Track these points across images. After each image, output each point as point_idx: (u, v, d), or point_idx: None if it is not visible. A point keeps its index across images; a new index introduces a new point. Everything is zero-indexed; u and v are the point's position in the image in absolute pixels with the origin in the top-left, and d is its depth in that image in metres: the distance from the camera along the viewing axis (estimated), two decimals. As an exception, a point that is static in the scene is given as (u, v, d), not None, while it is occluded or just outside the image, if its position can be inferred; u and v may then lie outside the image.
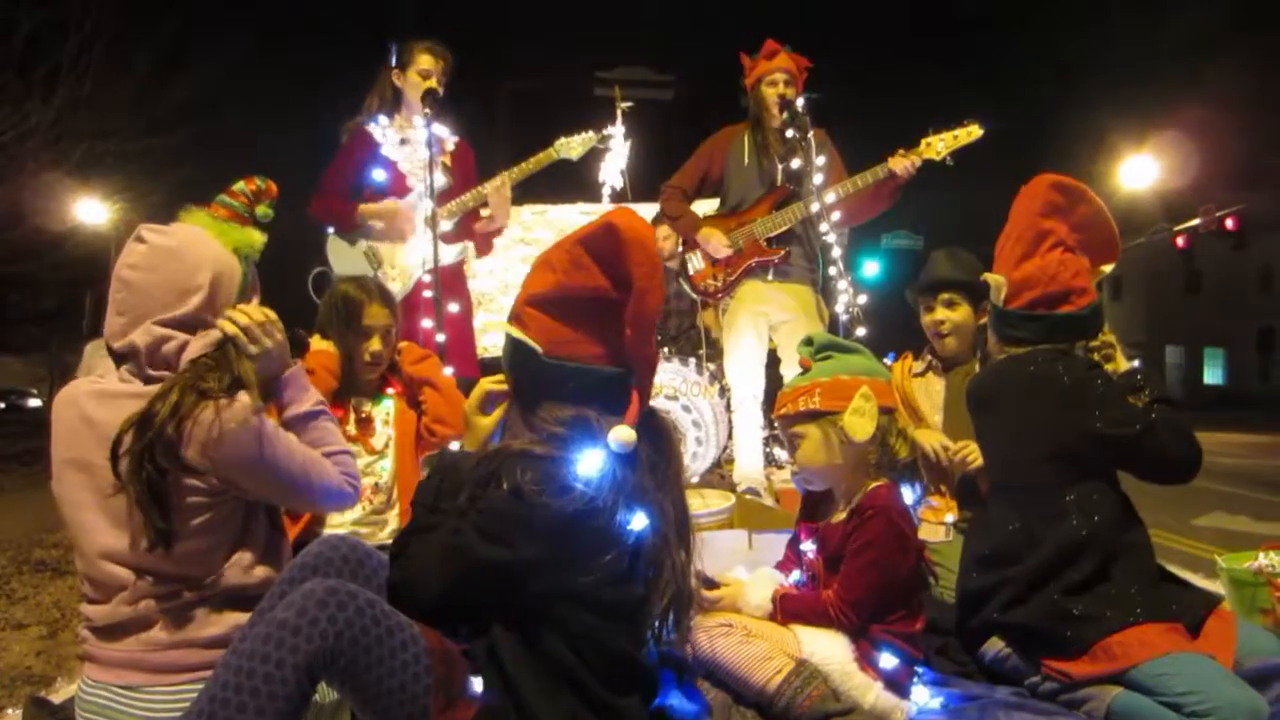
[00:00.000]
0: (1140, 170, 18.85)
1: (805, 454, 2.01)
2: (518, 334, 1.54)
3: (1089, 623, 1.85)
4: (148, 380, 1.66)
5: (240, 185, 1.93)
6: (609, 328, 1.55)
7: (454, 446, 2.58)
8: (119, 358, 1.70)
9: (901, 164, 3.52)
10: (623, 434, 1.50)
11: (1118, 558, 1.93)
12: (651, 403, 1.62)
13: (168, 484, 1.58)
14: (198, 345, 1.67)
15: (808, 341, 2.10)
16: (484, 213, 3.73)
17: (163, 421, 1.55)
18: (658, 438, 1.60)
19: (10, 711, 2.02)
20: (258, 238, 1.89)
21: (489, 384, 1.69)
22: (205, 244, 1.75)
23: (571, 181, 4.64)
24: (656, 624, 1.56)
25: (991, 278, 2.21)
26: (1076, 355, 2.09)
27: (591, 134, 3.84)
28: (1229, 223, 17.28)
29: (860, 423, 1.94)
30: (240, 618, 1.64)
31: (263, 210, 1.95)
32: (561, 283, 1.53)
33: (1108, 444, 1.95)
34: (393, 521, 2.58)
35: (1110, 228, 2.18)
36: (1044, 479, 2.02)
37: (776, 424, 2.13)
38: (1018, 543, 2.00)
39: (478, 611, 1.48)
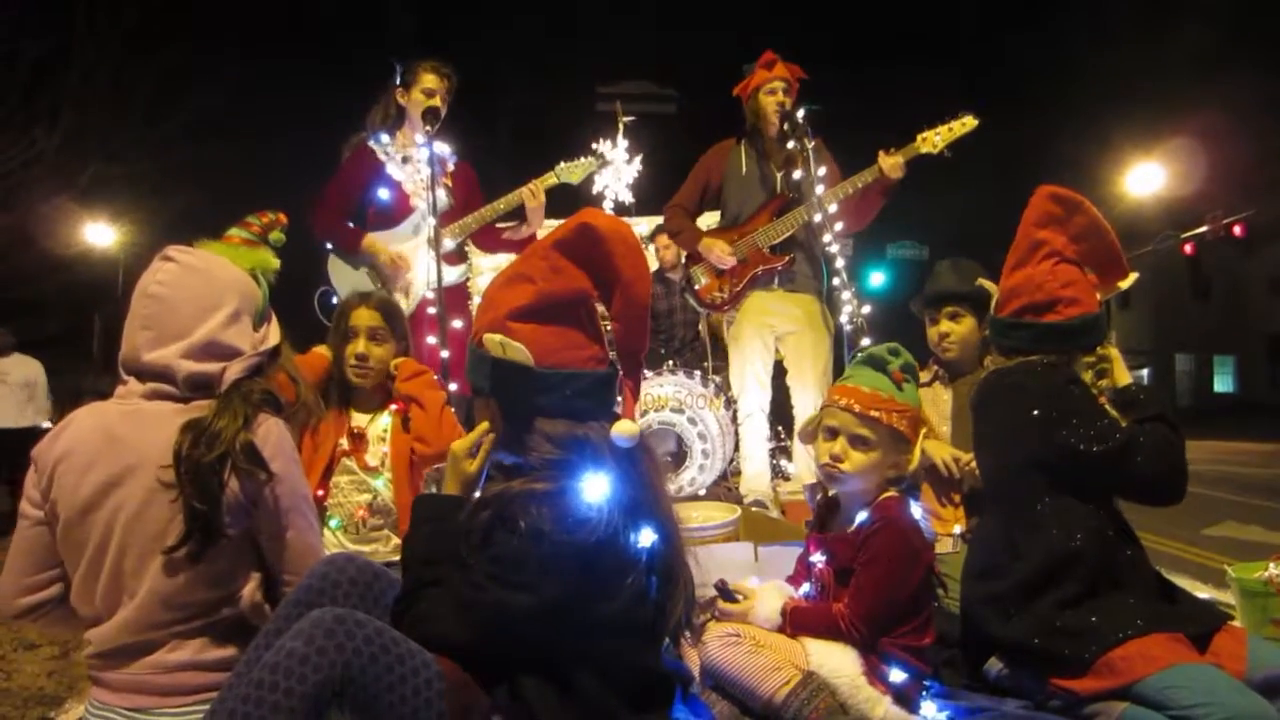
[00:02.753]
0: (1147, 177, 18.86)
1: (865, 462, 1.97)
2: (503, 351, 1.50)
3: (1085, 638, 1.83)
4: (184, 399, 1.67)
5: (252, 217, 2.02)
6: (591, 328, 1.56)
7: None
8: (140, 374, 1.69)
9: (889, 161, 3.54)
10: (627, 428, 1.51)
11: (1110, 572, 1.92)
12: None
13: (222, 498, 1.59)
14: (237, 369, 1.71)
15: (895, 352, 2.06)
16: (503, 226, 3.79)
17: (235, 432, 1.60)
18: (646, 446, 1.60)
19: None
20: (272, 259, 1.95)
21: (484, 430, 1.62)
22: (230, 267, 1.80)
23: (574, 197, 4.66)
24: (673, 630, 1.57)
25: (990, 286, 2.21)
26: (1061, 367, 2.06)
27: (591, 159, 3.89)
28: (1237, 229, 17.26)
29: (917, 457, 2.01)
30: (247, 640, 1.63)
31: (275, 235, 2.04)
32: (542, 291, 1.52)
33: (1079, 459, 1.92)
34: (395, 538, 2.56)
35: (1109, 239, 2.14)
36: (1024, 491, 2.01)
37: (835, 410, 2.01)
38: (1004, 557, 2.00)
39: (504, 660, 1.45)
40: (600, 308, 1.62)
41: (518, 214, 3.78)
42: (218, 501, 1.59)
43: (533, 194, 3.69)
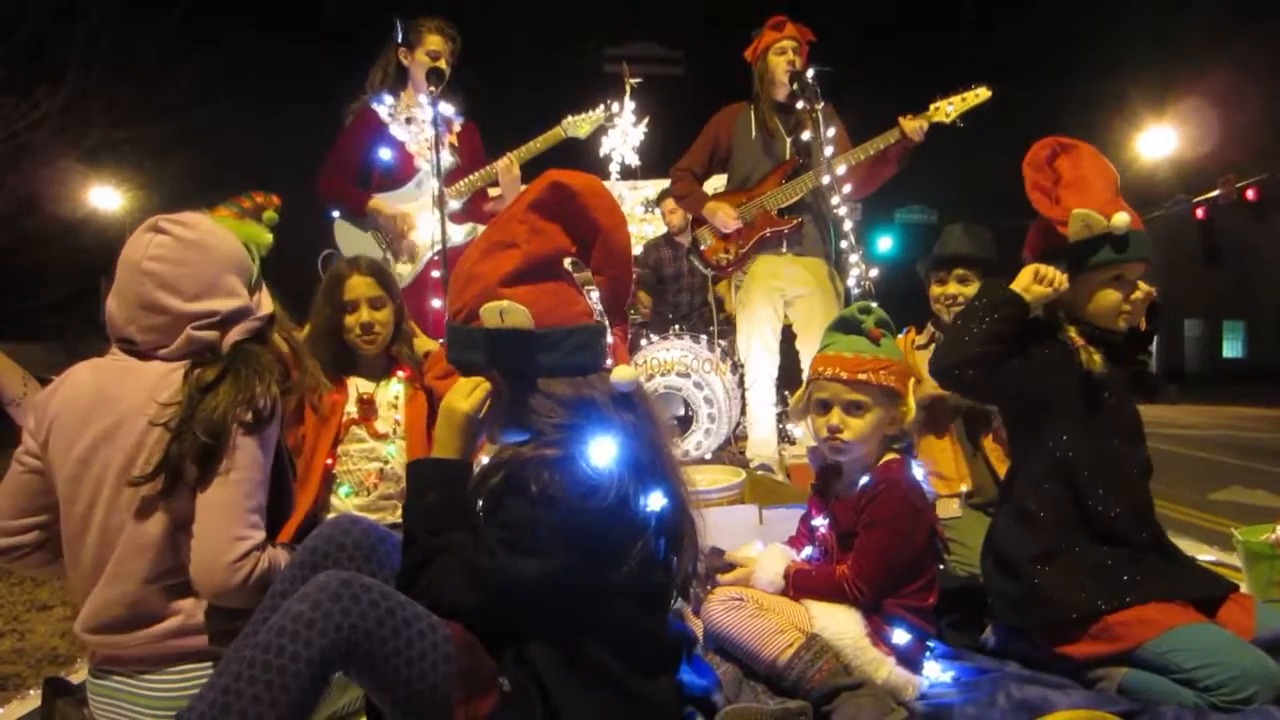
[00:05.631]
0: (1159, 140, 18.62)
1: (864, 427, 1.95)
2: (501, 320, 1.48)
3: (1065, 604, 1.84)
4: (184, 357, 1.66)
5: (245, 195, 2.00)
6: (575, 284, 1.58)
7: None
8: (133, 342, 1.69)
9: (912, 125, 3.50)
10: (626, 373, 1.51)
11: (1087, 528, 1.92)
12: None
13: (227, 442, 1.61)
14: (237, 333, 1.71)
15: (865, 310, 2.04)
16: (493, 193, 3.73)
17: (265, 388, 1.64)
18: (649, 403, 1.60)
19: (34, 692, 2.05)
20: (264, 234, 1.93)
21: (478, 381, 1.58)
22: (219, 233, 1.76)
23: (581, 159, 4.62)
24: (679, 593, 1.58)
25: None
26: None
27: (599, 112, 3.82)
28: (1249, 194, 17.07)
29: (912, 408, 2.00)
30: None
31: (269, 215, 2.01)
32: (528, 253, 1.51)
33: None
34: None
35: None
36: (1012, 443, 2.15)
37: (823, 382, 1.98)
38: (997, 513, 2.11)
39: (511, 625, 1.45)
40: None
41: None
42: (225, 441, 1.59)
43: (508, 167, 3.62)
